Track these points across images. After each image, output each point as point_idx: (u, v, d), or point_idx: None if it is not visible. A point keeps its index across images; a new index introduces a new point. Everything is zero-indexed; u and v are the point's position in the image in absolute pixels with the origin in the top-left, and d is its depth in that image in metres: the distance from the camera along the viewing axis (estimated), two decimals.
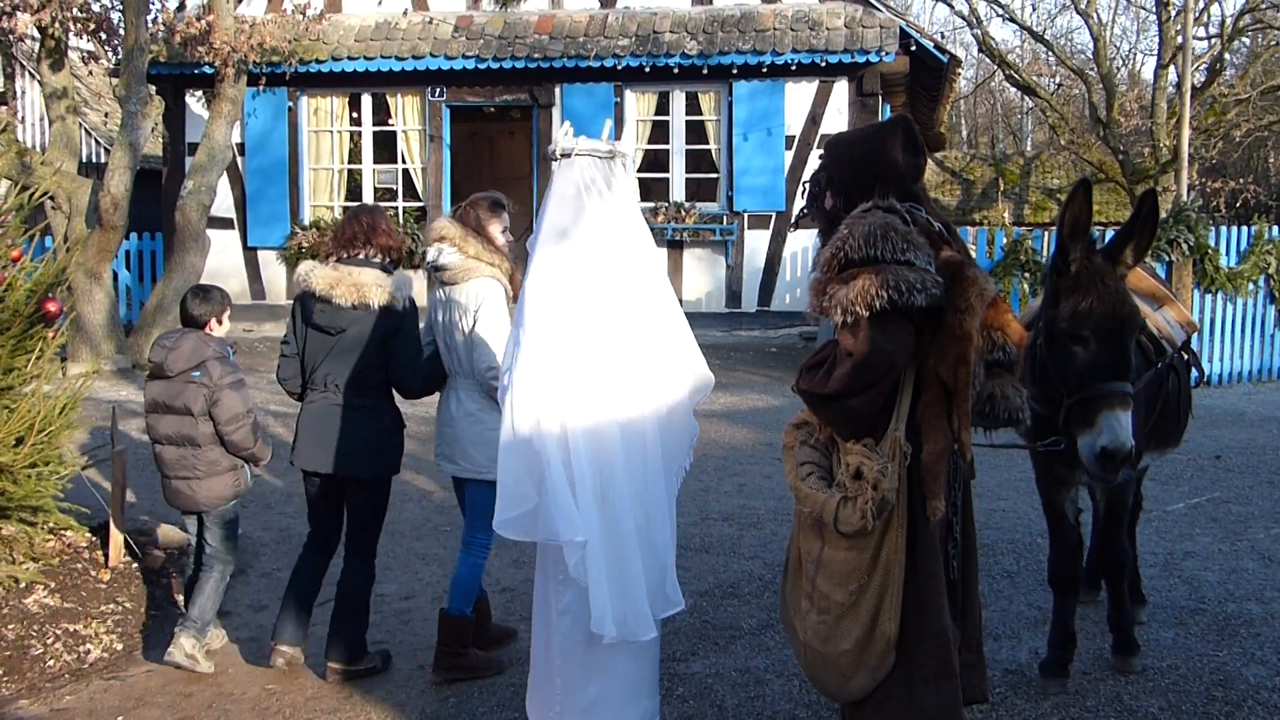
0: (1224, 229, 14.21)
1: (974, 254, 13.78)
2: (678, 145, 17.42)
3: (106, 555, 6.60)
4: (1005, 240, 13.49)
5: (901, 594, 3.53)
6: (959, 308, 3.50)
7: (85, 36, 15.09)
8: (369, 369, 5.43)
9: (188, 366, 5.49)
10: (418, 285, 5.90)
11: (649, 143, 17.53)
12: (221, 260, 17.72)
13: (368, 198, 18.32)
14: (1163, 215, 13.42)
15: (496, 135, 22.09)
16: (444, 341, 5.52)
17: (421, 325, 5.64)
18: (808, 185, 4.04)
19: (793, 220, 16.65)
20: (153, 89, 17.34)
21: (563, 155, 4.54)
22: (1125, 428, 4.17)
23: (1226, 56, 26.97)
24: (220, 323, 5.74)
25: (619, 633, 4.19)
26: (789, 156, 16.87)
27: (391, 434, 5.55)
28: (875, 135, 3.90)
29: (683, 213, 17.09)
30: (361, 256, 5.50)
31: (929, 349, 3.54)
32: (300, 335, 5.54)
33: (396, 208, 18.07)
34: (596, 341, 4.34)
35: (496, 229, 5.59)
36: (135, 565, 6.65)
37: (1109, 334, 4.29)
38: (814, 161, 4.08)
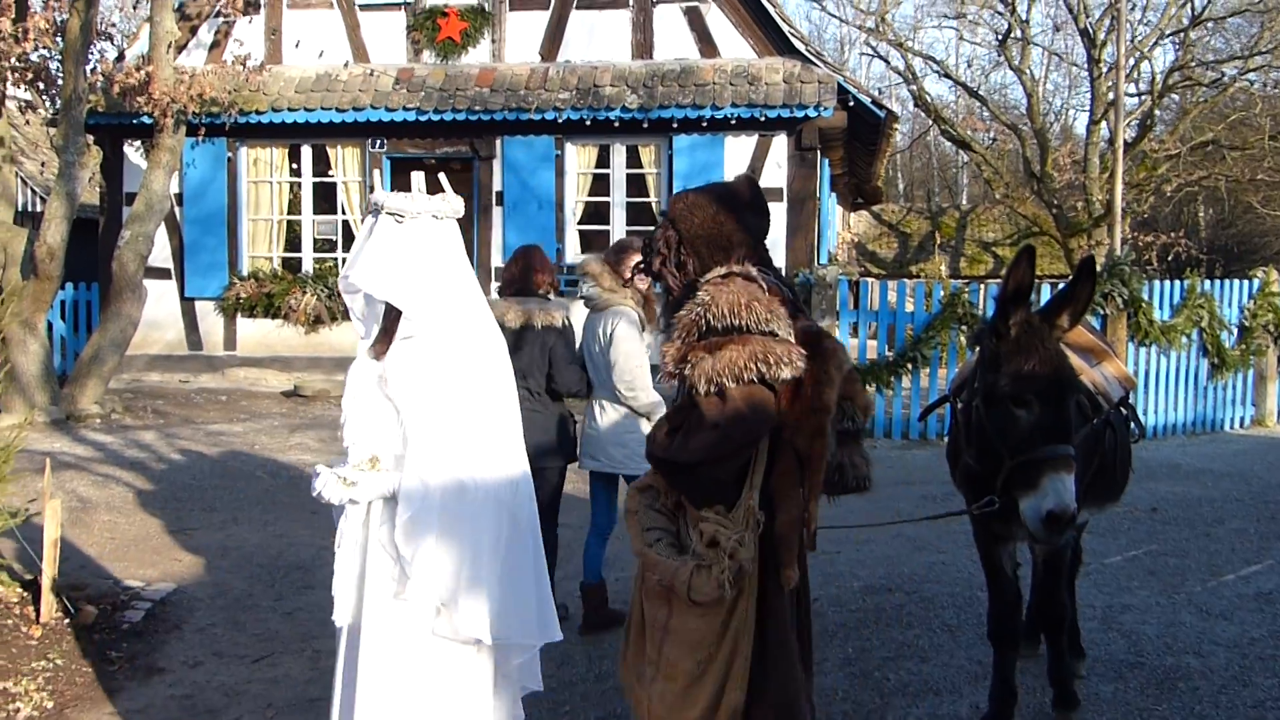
0: (1157, 283, 14.38)
1: (912, 306, 13.96)
2: (618, 198, 17.49)
3: (38, 611, 6.47)
4: (943, 293, 13.57)
5: (749, 663, 3.46)
6: (819, 379, 3.45)
7: (23, 85, 14.95)
8: (535, 375, 6.48)
9: None
10: (576, 310, 6.80)
11: (589, 195, 17.62)
12: (158, 310, 17.56)
13: (307, 249, 18.25)
14: (1097, 269, 13.60)
15: (437, 187, 21.95)
16: (590, 359, 6.71)
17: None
18: (653, 242, 3.82)
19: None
20: (90, 138, 17.20)
21: (415, 215, 4.29)
22: (1069, 490, 4.15)
23: (1157, 113, 27.58)
24: None
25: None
26: None
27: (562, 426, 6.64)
28: (728, 197, 3.79)
29: None
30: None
31: (785, 419, 3.47)
32: None
33: (336, 259, 17.99)
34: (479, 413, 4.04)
35: (628, 266, 6.49)
36: (67, 621, 6.51)
37: (1051, 397, 4.28)
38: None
